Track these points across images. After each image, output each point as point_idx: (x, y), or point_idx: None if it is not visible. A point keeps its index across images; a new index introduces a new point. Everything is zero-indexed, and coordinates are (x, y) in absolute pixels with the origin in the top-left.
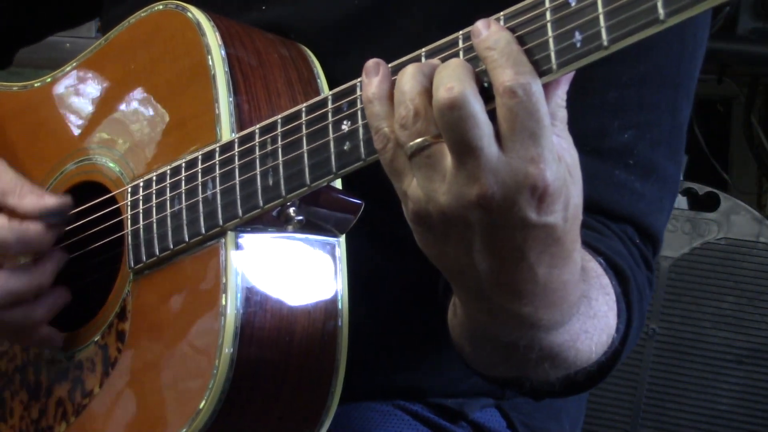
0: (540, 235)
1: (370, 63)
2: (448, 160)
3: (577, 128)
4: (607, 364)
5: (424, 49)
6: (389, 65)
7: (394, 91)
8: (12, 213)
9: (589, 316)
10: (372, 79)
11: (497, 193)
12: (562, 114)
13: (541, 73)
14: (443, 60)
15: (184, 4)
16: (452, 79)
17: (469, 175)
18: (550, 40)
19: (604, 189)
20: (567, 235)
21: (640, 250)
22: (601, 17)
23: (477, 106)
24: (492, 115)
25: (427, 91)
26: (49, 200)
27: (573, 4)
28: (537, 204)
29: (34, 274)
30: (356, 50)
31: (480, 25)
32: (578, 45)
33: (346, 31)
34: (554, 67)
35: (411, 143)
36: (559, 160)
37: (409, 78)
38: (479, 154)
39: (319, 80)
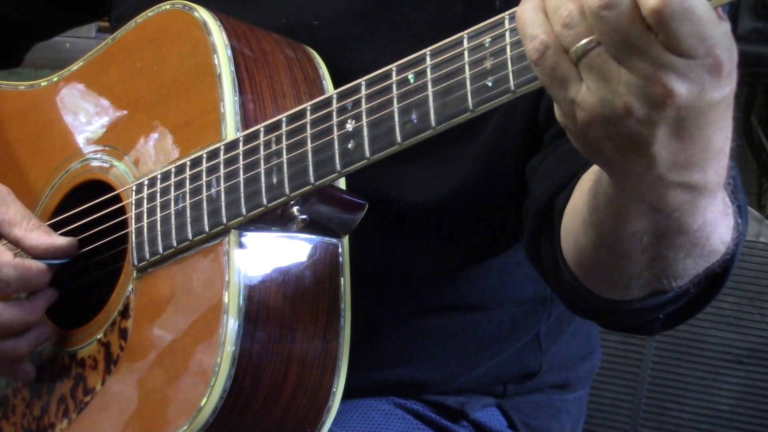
0: (721, 108)
1: None
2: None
3: None
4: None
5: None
6: None
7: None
8: (14, 245)
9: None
10: None
11: (683, 88)
12: None
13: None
14: None
15: (191, 4)
16: None
17: (648, 75)
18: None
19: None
20: (733, 95)
21: None
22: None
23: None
24: None
25: None
26: (59, 240)
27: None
28: (717, 83)
29: (25, 310)
30: (381, 36)
31: None
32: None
33: (369, 18)
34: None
35: (578, 44)
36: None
37: None
38: (650, 54)
39: (324, 81)
